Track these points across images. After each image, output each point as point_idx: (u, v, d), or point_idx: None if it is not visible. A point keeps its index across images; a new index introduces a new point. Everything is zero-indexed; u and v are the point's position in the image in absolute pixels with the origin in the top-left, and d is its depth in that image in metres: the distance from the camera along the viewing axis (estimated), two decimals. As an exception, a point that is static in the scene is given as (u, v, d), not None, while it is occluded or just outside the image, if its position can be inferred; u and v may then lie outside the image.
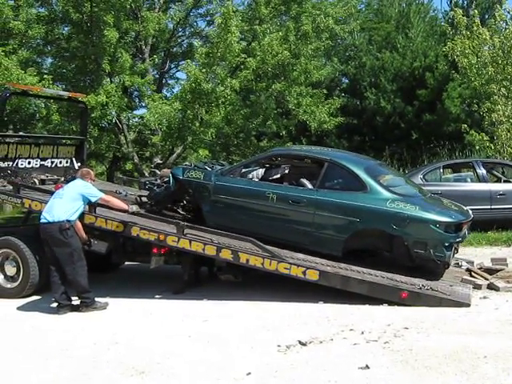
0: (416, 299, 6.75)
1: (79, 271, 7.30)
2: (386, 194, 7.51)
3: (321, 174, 7.93)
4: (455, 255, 7.99)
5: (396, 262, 7.57)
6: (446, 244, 7.21)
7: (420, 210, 7.28)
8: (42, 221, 7.38)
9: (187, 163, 10.32)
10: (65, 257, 7.24)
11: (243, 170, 8.63)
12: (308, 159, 8.88)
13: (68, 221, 7.27)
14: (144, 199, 8.98)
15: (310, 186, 7.97)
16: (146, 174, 17.29)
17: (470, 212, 8.12)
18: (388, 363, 4.88)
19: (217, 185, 8.30)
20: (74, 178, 8.07)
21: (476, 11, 16.92)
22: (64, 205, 7.34)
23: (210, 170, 8.73)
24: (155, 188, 8.96)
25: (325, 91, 19.14)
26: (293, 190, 7.98)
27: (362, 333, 5.75)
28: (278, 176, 8.78)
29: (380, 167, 8.84)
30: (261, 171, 8.85)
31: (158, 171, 11.01)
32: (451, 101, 18.94)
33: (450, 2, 24.19)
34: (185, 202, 8.89)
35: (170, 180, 8.65)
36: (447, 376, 4.53)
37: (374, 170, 8.18)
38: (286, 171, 8.88)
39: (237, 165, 9.22)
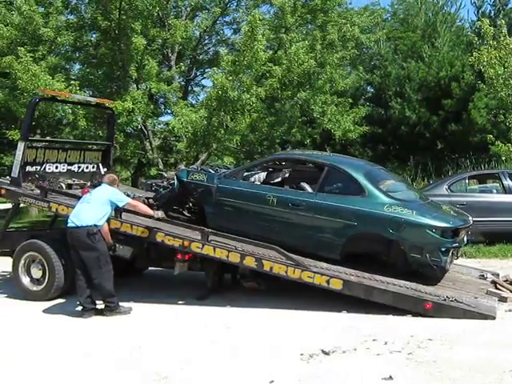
0: (440, 310, 6.70)
1: (105, 275, 7.38)
2: (383, 198, 7.56)
3: (321, 178, 8.02)
4: (454, 261, 8.06)
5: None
6: (443, 249, 7.24)
7: (416, 214, 7.33)
8: (70, 225, 7.46)
9: (193, 166, 10.48)
10: (91, 261, 7.32)
11: (245, 174, 8.76)
12: (309, 163, 9.02)
13: (95, 225, 7.36)
14: (151, 201, 9.10)
15: (309, 189, 8.08)
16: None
17: (470, 218, 8.18)
18: (412, 374, 4.85)
19: (219, 187, 8.42)
20: (100, 183, 8.16)
21: (503, 21, 16.76)
22: (92, 210, 7.43)
23: (213, 172, 8.85)
24: (161, 190, 9.15)
25: (350, 100, 19.11)
26: (293, 194, 8.10)
27: (386, 343, 5.72)
28: (280, 179, 8.85)
29: (381, 172, 8.93)
30: (263, 174, 8.91)
31: (164, 174, 11.12)
32: (477, 111, 18.75)
33: (477, 11, 24.00)
34: (190, 204, 9.00)
35: (174, 182, 8.80)
36: (472, 389, 4.50)
37: (374, 175, 8.26)
38: (287, 175, 8.95)
39: (239, 168, 9.45)
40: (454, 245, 7.44)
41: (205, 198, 8.56)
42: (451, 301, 6.79)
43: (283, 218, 8.03)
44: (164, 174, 11.40)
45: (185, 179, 8.70)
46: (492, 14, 23.25)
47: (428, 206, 8.17)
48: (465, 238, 7.89)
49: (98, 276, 7.35)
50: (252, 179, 8.75)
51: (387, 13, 26.36)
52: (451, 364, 5.02)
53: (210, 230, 7.74)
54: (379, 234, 7.45)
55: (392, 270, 7.56)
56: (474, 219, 11.32)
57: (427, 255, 7.19)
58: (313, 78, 16.96)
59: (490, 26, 16.19)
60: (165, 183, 9.35)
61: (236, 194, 8.33)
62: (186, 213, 8.96)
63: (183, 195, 8.88)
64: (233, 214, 8.37)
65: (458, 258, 8.14)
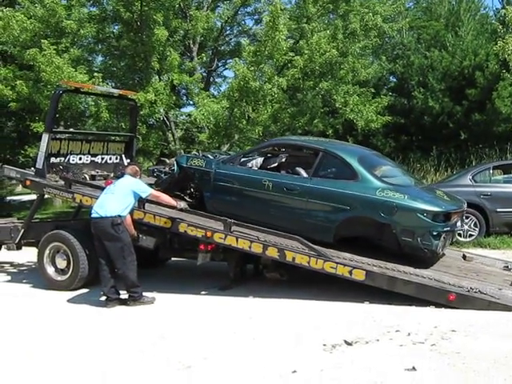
0: (464, 302, 6.65)
1: (129, 266, 7.45)
2: (376, 183, 7.67)
3: (315, 163, 8.13)
4: (448, 246, 8.17)
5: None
6: (434, 233, 7.33)
7: (408, 198, 7.43)
8: (94, 215, 7.53)
9: (195, 152, 10.64)
10: (116, 251, 7.39)
11: (243, 159, 8.87)
12: (304, 149, 9.12)
13: (119, 216, 7.42)
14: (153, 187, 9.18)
15: (304, 174, 8.22)
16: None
17: (464, 203, 8.30)
18: (435, 366, 4.82)
19: (217, 172, 8.58)
20: (123, 175, 8.22)
21: (529, 9, 16.51)
22: (116, 200, 7.49)
23: (211, 158, 8.98)
24: (162, 175, 9.26)
25: (372, 90, 18.95)
26: (288, 178, 8.23)
27: (409, 334, 5.70)
28: (276, 165, 8.91)
29: (376, 158, 9.08)
30: (260, 160, 9.00)
31: (167, 160, 11.19)
32: (501, 100, 18.47)
33: (502, -1, 23.67)
34: (192, 189, 9.12)
35: (175, 168, 8.94)
36: (496, 381, 4.44)
37: (368, 160, 8.40)
38: (284, 160, 9.00)
39: (237, 154, 9.70)
40: (446, 229, 7.51)
41: (203, 183, 8.72)
42: (475, 292, 6.74)
43: (278, 202, 8.19)
44: (166, 160, 11.47)
45: (184, 164, 8.87)
46: (517, 2, 22.88)
47: (421, 190, 8.31)
48: (458, 223, 7.97)
49: (122, 266, 7.42)
50: (249, 165, 8.86)
51: (410, 1, 25.99)
52: (475, 356, 4.98)
53: (233, 221, 7.78)
54: (371, 218, 7.56)
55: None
56: (499, 210, 11.35)
57: (418, 239, 7.31)
58: (335, 68, 16.85)
59: (514, 14, 15.96)
60: (166, 169, 9.47)
61: (233, 179, 8.49)
62: (187, 198, 9.07)
63: (183, 180, 9.03)
64: (230, 198, 8.53)
65: (452, 242, 8.33)
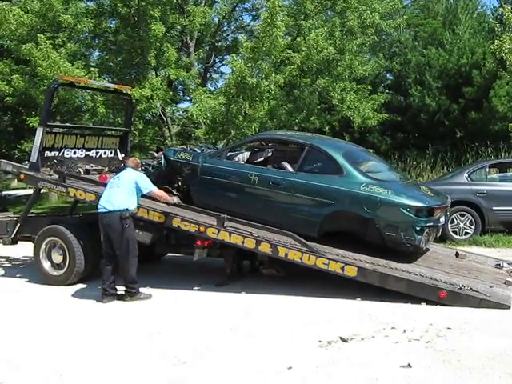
0: (455, 299, 6.67)
1: (131, 261, 7.46)
2: (360, 178, 7.74)
3: (301, 157, 8.19)
4: (431, 241, 8.18)
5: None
6: (417, 228, 7.40)
7: (392, 194, 7.51)
8: (102, 210, 7.50)
9: (183, 146, 10.70)
10: (121, 245, 7.39)
11: (230, 153, 8.94)
12: (290, 143, 9.12)
13: (127, 209, 7.44)
14: None
15: (290, 169, 8.28)
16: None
17: (448, 199, 8.39)
18: (430, 363, 4.84)
19: (204, 166, 8.65)
20: (123, 168, 8.20)
21: (526, 8, 16.52)
22: (122, 194, 7.49)
23: (199, 152, 9.03)
24: (150, 169, 9.30)
25: (369, 87, 18.95)
26: (273, 173, 8.31)
27: (404, 331, 5.72)
28: (262, 159, 8.97)
29: (362, 153, 9.18)
30: (246, 154, 9.09)
31: (155, 153, 11.25)
32: (498, 99, 18.49)
33: (499, -2, 23.68)
34: (179, 183, 9.13)
35: (162, 161, 9.01)
36: (491, 378, 4.47)
37: (354, 156, 8.50)
38: (270, 155, 9.05)
39: (224, 148, 9.80)
40: (429, 224, 7.57)
41: (190, 177, 8.77)
42: (466, 289, 6.75)
43: (264, 196, 8.25)
44: (154, 153, 11.53)
45: (171, 158, 8.93)
46: (514, 1, 22.89)
47: (406, 186, 8.40)
48: (442, 218, 8.01)
49: (124, 261, 7.43)
50: (236, 159, 8.94)
51: (407, -1, 26.09)
52: (470, 353, 5.01)
53: (226, 216, 7.78)
54: (356, 213, 7.63)
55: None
56: (494, 208, 11.38)
57: (402, 234, 7.38)
58: (332, 65, 16.86)
59: (511, 12, 15.96)
60: (154, 162, 9.50)
61: (220, 173, 8.55)
62: (175, 191, 9.06)
63: (171, 174, 9.05)
64: (216, 192, 8.58)
65: (437, 237, 8.36)
